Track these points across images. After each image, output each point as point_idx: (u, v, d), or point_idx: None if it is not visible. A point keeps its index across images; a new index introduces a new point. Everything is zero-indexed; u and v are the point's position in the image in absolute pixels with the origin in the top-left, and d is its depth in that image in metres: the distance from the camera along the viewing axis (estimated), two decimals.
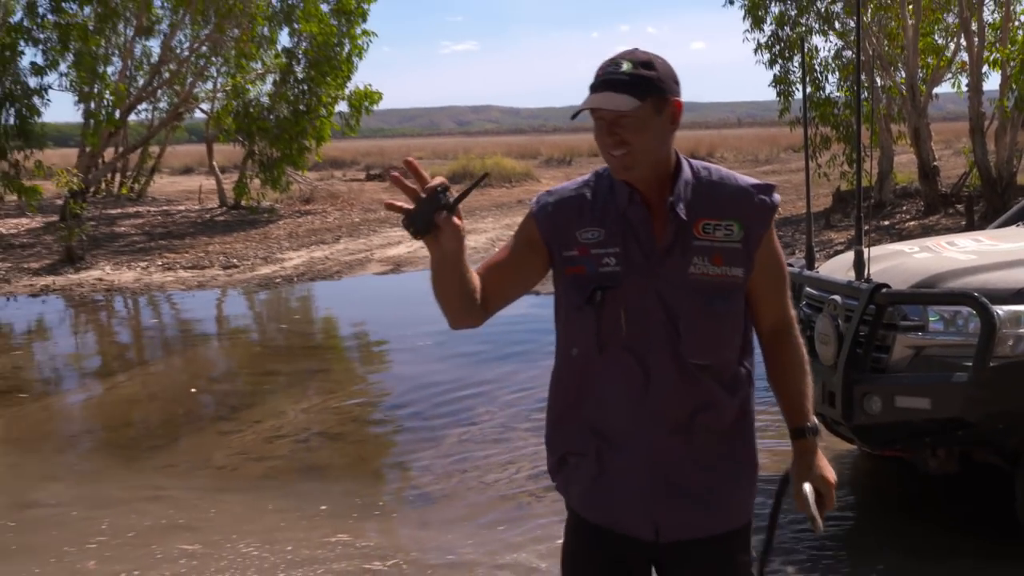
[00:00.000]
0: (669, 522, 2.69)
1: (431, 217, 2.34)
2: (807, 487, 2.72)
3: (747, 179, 2.75)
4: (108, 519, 6.58)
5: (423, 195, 2.37)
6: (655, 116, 2.58)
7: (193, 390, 10.42)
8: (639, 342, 2.63)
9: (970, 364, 5.15)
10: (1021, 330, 5.19)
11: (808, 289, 6.35)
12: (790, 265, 6.60)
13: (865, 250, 5.76)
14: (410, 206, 2.38)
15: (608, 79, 2.57)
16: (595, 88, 2.59)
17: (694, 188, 2.67)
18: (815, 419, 2.84)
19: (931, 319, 5.47)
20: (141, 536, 6.29)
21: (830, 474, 2.80)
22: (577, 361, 2.71)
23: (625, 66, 2.58)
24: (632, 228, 2.64)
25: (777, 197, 2.74)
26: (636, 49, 2.64)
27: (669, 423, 2.65)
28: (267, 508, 6.76)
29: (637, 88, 2.55)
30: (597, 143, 2.63)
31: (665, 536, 2.70)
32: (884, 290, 5.47)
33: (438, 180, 2.41)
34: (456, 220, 2.39)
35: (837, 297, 5.82)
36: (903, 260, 6.11)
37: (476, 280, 2.61)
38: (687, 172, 2.68)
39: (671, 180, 2.66)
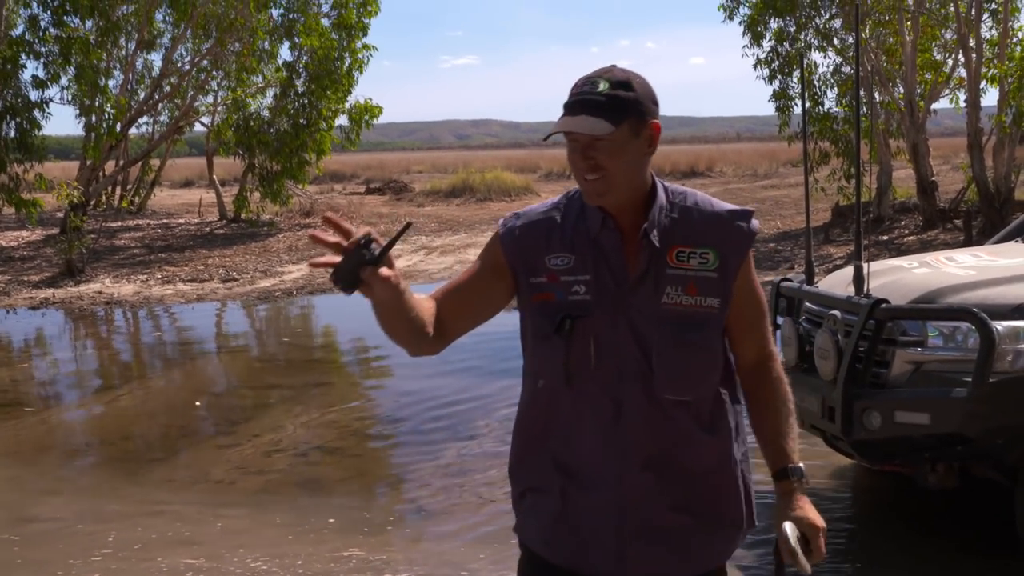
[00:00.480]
0: (637, 563, 2.55)
1: (356, 273, 2.21)
2: (787, 526, 2.52)
3: (724, 204, 2.62)
4: (112, 533, 6.58)
5: (345, 251, 2.22)
6: (632, 139, 2.46)
7: (197, 403, 10.42)
8: (610, 375, 2.50)
9: (969, 379, 5.16)
10: (1020, 345, 5.20)
11: (807, 304, 6.37)
12: (789, 280, 6.63)
13: (864, 265, 5.77)
14: (336, 260, 2.22)
15: (584, 99, 2.45)
16: (570, 108, 2.46)
17: (669, 214, 2.55)
18: (800, 462, 2.64)
19: (930, 334, 5.49)
20: (146, 549, 6.28)
21: (818, 519, 2.57)
22: (543, 393, 2.59)
23: (602, 86, 2.46)
24: (604, 255, 2.52)
25: (756, 224, 2.62)
26: (614, 67, 2.53)
27: (640, 460, 2.51)
28: (274, 521, 6.76)
29: (614, 111, 2.43)
30: (570, 165, 2.51)
31: None
32: (883, 305, 5.48)
33: (362, 232, 2.23)
34: (385, 272, 2.22)
35: (837, 312, 5.83)
36: (902, 275, 6.12)
37: (427, 313, 2.47)
38: (662, 197, 2.56)
39: (645, 205, 2.54)
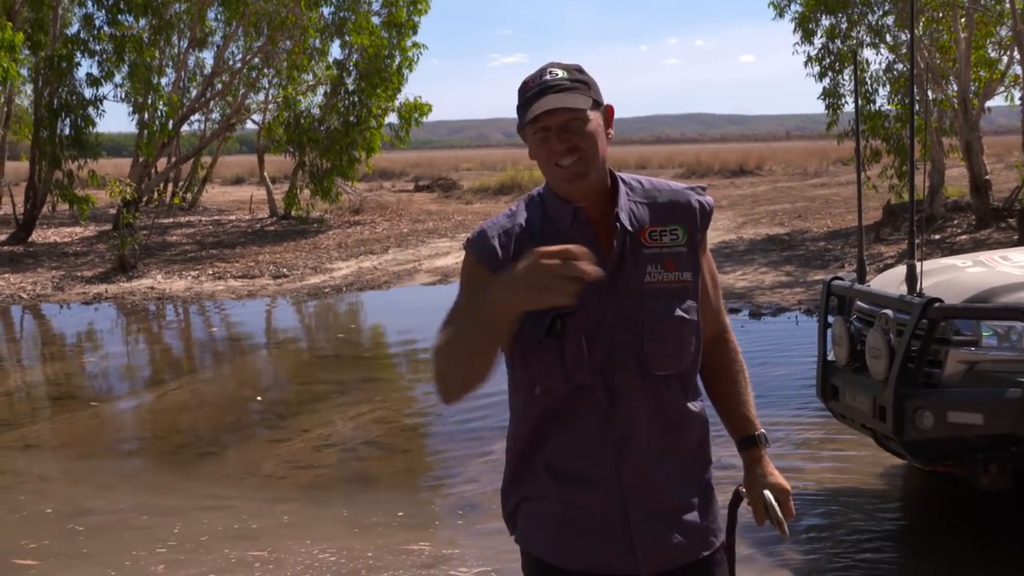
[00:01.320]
0: (650, 552, 2.55)
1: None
2: (769, 495, 2.63)
3: (679, 184, 2.70)
4: (177, 525, 6.67)
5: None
6: (599, 119, 2.53)
7: (259, 399, 10.52)
8: (604, 364, 2.52)
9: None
10: None
11: (859, 303, 6.31)
12: (840, 279, 6.59)
13: (917, 264, 5.71)
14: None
15: (549, 85, 2.49)
16: (537, 95, 2.49)
17: (633, 198, 2.60)
18: (762, 428, 2.74)
19: (984, 334, 5.43)
20: (213, 541, 6.37)
21: (785, 483, 2.68)
22: (540, 399, 2.58)
23: (560, 73, 2.51)
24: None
25: (711, 199, 2.69)
26: (553, 61, 2.57)
27: (640, 445, 2.54)
28: (340, 515, 6.82)
29: (581, 92, 2.50)
30: (539, 157, 2.53)
31: (648, 567, 2.55)
32: (937, 304, 5.42)
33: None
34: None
35: (889, 311, 5.78)
36: (956, 274, 6.06)
37: None
38: (622, 185, 2.61)
39: (610, 192, 2.59)
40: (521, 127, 2.56)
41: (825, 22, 24.06)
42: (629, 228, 2.54)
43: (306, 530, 6.51)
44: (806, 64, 24.44)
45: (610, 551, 2.56)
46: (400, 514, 6.77)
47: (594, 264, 2.27)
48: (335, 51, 31.02)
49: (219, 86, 28.83)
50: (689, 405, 2.62)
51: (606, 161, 2.57)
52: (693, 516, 2.61)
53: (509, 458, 2.70)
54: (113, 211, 25.58)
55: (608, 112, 2.58)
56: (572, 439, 2.56)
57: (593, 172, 2.51)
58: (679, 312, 2.56)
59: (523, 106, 2.53)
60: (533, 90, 2.51)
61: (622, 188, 2.60)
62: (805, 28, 24.11)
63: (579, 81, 2.52)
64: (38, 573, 5.99)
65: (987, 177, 20.94)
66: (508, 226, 2.60)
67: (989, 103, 22.12)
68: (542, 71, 2.54)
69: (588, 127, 2.49)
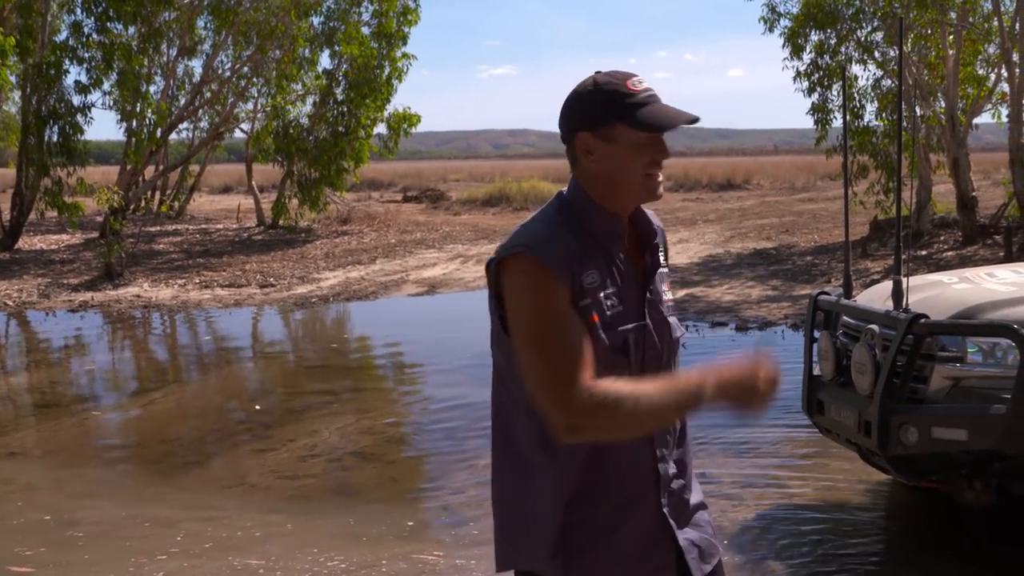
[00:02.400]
0: (696, 558, 2.59)
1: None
2: None
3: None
4: (174, 534, 6.65)
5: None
6: None
7: (257, 407, 10.48)
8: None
9: (1008, 396, 5.12)
10: None
11: (845, 318, 6.33)
12: (826, 294, 6.61)
13: (904, 279, 5.73)
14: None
15: (656, 94, 2.49)
16: (655, 100, 2.47)
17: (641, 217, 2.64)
18: None
19: (970, 350, 5.44)
20: (218, 548, 6.37)
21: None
22: None
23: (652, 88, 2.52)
24: (618, 263, 2.51)
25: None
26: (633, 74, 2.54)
27: (670, 457, 2.58)
28: (335, 525, 6.82)
29: None
30: (634, 163, 2.46)
31: (699, 572, 2.59)
32: (922, 320, 5.44)
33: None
34: None
35: (875, 326, 5.79)
36: (942, 290, 6.08)
37: None
38: None
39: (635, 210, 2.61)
40: (612, 124, 2.46)
41: (814, 37, 24.17)
42: (652, 246, 2.60)
43: (303, 540, 6.50)
44: (795, 79, 24.56)
45: (663, 567, 2.57)
46: (410, 524, 6.78)
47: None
48: (324, 61, 31.14)
49: (208, 95, 28.81)
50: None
51: None
52: (707, 515, 2.71)
53: (551, 493, 2.51)
54: (100, 219, 25.53)
55: None
56: (623, 462, 2.52)
57: None
58: (678, 328, 2.65)
59: (637, 106, 2.45)
60: (645, 94, 2.46)
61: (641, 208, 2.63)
62: (794, 43, 24.20)
63: None
64: None
65: (974, 194, 21.02)
66: (561, 237, 2.46)
67: (976, 120, 22.22)
68: (632, 77, 2.48)
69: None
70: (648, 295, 2.55)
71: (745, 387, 2.35)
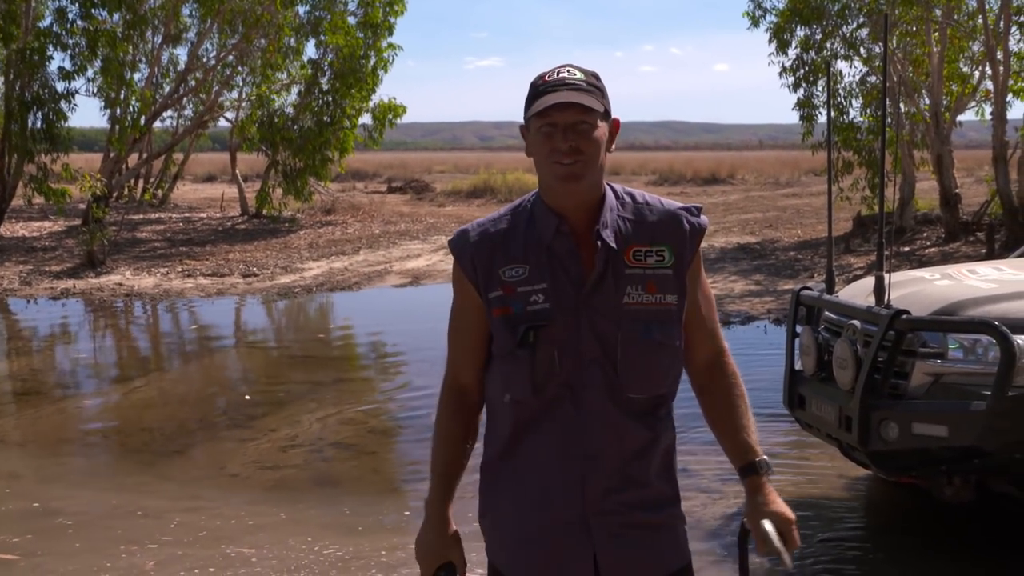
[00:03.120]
0: (613, 569, 2.54)
1: None
2: (768, 525, 2.53)
3: (673, 203, 2.64)
4: (166, 522, 6.65)
5: None
6: (605, 128, 2.51)
7: (247, 397, 10.46)
8: (575, 380, 2.49)
9: (989, 393, 5.14)
10: None
11: (827, 313, 6.34)
12: (809, 289, 6.61)
13: (886, 275, 5.74)
14: None
15: (567, 82, 2.47)
16: (554, 88, 2.46)
17: (621, 214, 2.56)
18: (764, 454, 2.66)
19: (951, 347, 5.46)
20: (210, 537, 6.37)
21: (788, 511, 2.59)
22: (510, 407, 2.56)
23: (578, 74, 2.49)
24: (559, 260, 2.50)
25: (705, 219, 2.64)
26: (571, 63, 2.54)
27: (604, 465, 2.52)
28: (342, 512, 6.84)
29: (596, 96, 2.48)
30: (539, 153, 2.49)
31: None
32: (904, 316, 5.46)
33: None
34: None
35: (857, 322, 5.80)
36: (924, 287, 6.09)
37: (465, 452, 2.72)
38: (612, 198, 2.57)
39: (598, 207, 2.54)
40: (527, 119, 2.52)
41: (800, 33, 24.19)
42: (612, 246, 2.51)
43: (294, 530, 6.50)
44: (780, 74, 24.59)
45: (571, 566, 2.54)
46: (407, 513, 6.79)
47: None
48: (310, 50, 30.97)
49: (192, 83, 28.66)
50: (662, 429, 2.60)
51: (603, 172, 2.54)
52: (659, 535, 2.59)
53: (481, 465, 2.68)
54: (83, 206, 25.41)
55: (614, 125, 2.56)
56: (539, 452, 2.55)
57: (589, 177, 2.49)
58: (656, 336, 2.52)
59: (534, 98, 2.49)
60: (548, 84, 2.48)
61: (608, 203, 2.55)
62: (780, 39, 24.23)
63: (594, 86, 2.50)
64: (27, 567, 5.96)
65: (957, 191, 21.10)
66: (491, 231, 2.58)
67: (960, 117, 22.30)
68: (560, 68, 2.52)
69: (595, 133, 2.47)
70: (587, 296, 2.50)
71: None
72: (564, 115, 2.44)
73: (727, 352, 2.72)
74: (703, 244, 2.63)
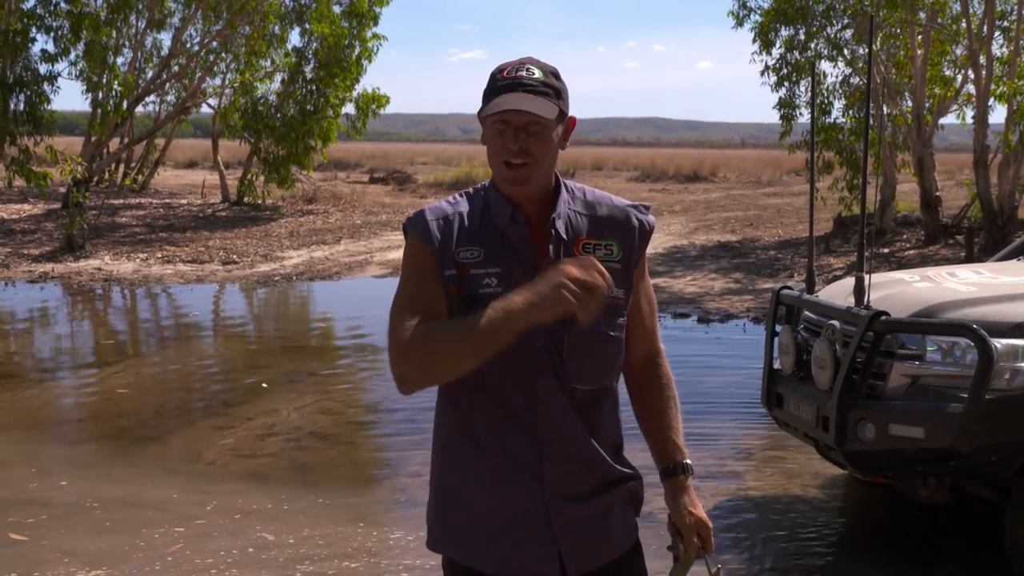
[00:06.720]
0: (575, 554, 2.56)
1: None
2: (680, 544, 2.67)
3: (623, 200, 2.68)
4: (162, 509, 6.66)
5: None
6: (558, 129, 2.52)
7: (264, 385, 10.39)
8: (522, 368, 2.50)
9: (966, 395, 5.16)
10: (1018, 364, 5.20)
11: (807, 313, 6.36)
12: (789, 288, 6.63)
13: (865, 276, 5.76)
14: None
15: (522, 82, 2.47)
16: (508, 88, 2.47)
17: (572, 207, 2.59)
18: (688, 457, 2.72)
19: (929, 349, 5.48)
20: (185, 523, 6.36)
21: (706, 517, 2.69)
22: (460, 396, 2.61)
23: (536, 72, 2.49)
24: (513, 247, 2.53)
25: (652, 219, 2.68)
26: (533, 58, 2.56)
27: (559, 452, 2.54)
28: (317, 501, 6.79)
29: (551, 97, 2.48)
30: (491, 148, 2.51)
31: (575, 570, 2.57)
32: (883, 317, 5.48)
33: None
34: None
35: (836, 322, 5.83)
36: (903, 288, 6.12)
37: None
38: (565, 192, 2.60)
39: (552, 198, 2.57)
40: (482, 112, 2.53)
41: (784, 33, 24.24)
42: (564, 236, 2.54)
43: (269, 517, 6.48)
44: (763, 73, 24.63)
45: (533, 554, 2.56)
46: (343, 505, 6.75)
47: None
48: (294, 38, 31.02)
49: (175, 68, 28.53)
50: (608, 418, 2.64)
51: (553, 168, 2.57)
52: (613, 517, 2.63)
53: (436, 452, 2.74)
54: (63, 190, 25.28)
55: (570, 124, 2.58)
56: (491, 441, 2.56)
57: (535, 181, 2.51)
58: (601, 328, 2.55)
59: (491, 93, 2.50)
60: (505, 82, 2.49)
61: (563, 195, 2.59)
62: (764, 38, 24.26)
63: (552, 87, 2.50)
64: (34, 547, 5.98)
65: (937, 193, 21.20)
66: (448, 212, 2.59)
67: (942, 120, 22.37)
68: (520, 65, 2.52)
69: (546, 135, 2.48)
70: None
71: (557, 288, 2.30)
72: (518, 116, 2.46)
73: (663, 353, 2.77)
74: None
